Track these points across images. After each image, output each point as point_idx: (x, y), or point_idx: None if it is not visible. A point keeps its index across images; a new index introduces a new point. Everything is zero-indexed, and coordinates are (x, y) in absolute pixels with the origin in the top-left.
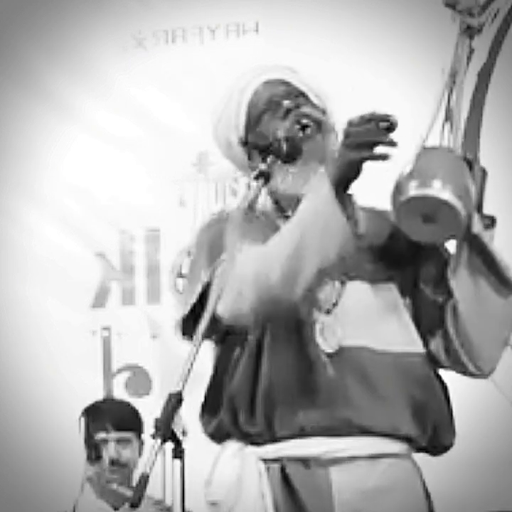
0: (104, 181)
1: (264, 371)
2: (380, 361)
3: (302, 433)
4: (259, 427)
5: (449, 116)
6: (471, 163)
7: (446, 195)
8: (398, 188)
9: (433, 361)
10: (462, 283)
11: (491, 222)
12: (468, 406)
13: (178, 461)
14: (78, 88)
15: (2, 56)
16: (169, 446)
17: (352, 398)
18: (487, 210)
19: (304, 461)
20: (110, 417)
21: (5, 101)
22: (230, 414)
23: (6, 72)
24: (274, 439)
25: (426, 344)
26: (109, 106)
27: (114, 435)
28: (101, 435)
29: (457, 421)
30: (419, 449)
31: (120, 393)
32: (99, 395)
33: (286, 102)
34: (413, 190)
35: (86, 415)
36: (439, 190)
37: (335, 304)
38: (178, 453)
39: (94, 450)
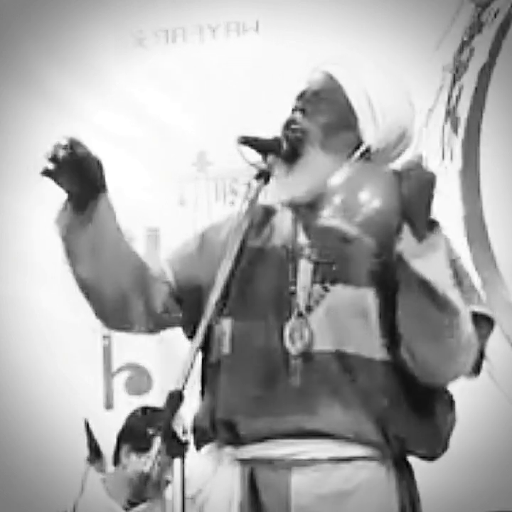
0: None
1: (221, 388)
2: (348, 367)
3: (265, 437)
4: (221, 432)
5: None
6: (402, 174)
7: (334, 221)
8: None
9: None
10: (403, 299)
11: (431, 228)
12: (468, 406)
13: (178, 460)
14: (78, 87)
15: (1, 55)
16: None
17: (315, 405)
18: (487, 209)
19: (271, 463)
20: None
21: (3, 99)
22: (196, 420)
23: (4, 70)
24: (242, 443)
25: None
26: (108, 105)
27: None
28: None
29: (457, 421)
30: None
31: (120, 392)
32: (99, 394)
33: (297, 102)
34: (317, 219)
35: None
36: (327, 218)
37: (309, 308)
38: (180, 453)
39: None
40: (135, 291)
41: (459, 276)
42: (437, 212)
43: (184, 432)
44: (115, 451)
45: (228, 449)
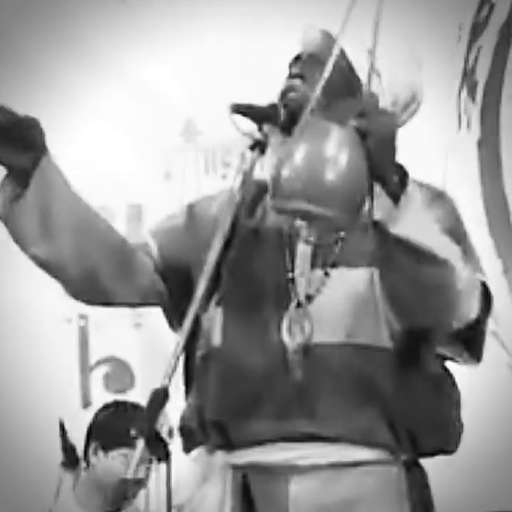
0: (80, 152)
1: (211, 385)
2: (354, 359)
3: (260, 441)
4: (212, 436)
5: (466, 82)
6: (365, 134)
7: (293, 203)
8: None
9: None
10: (389, 272)
11: (403, 181)
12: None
13: (163, 464)
14: (53, 50)
15: None
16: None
17: (317, 404)
18: (509, 184)
19: (266, 470)
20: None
21: None
22: (183, 423)
23: None
24: (234, 447)
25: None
26: (86, 69)
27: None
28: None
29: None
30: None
31: (98, 389)
32: (75, 391)
33: (294, 66)
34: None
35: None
36: (282, 199)
37: (309, 297)
38: (164, 456)
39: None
40: (110, 262)
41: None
42: (453, 188)
43: (170, 434)
44: (84, 450)
45: (220, 454)
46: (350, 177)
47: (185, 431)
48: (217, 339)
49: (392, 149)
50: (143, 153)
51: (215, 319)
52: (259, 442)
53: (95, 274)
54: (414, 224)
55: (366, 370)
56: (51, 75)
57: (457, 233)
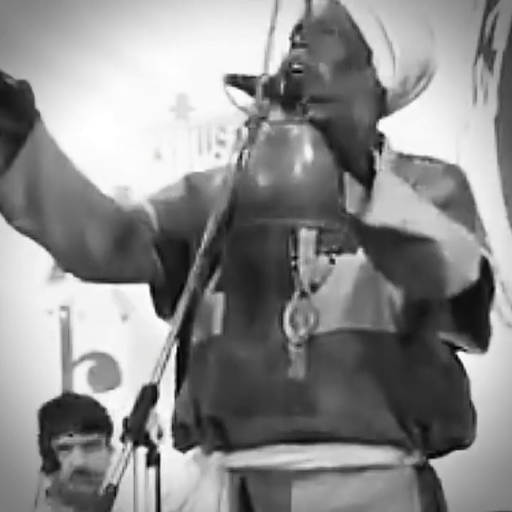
0: (65, 130)
1: (210, 377)
2: (354, 345)
3: (260, 442)
4: (208, 435)
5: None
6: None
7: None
8: None
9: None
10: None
11: (371, 160)
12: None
13: (152, 469)
14: (43, 26)
15: None
16: (142, 451)
17: (321, 401)
18: None
19: (266, 473)
20: (73, 416)
21: None
22: (177, 418)
23: None
24: (232, 448)
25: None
26: (71, 41)
27: (79, 438)
28: (63, 439)
29: None
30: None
31: (82, 386)
32: (56, 389)
33: (297, 35)
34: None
35: (42, 416)
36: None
37: (314, 286)
38: (153, 459)
39: (50, 458)
40: (103, 235)
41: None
42: (467, 169)
43: (160, 436)
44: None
45: (216, 456)
46: (317, 180)
47: (179, 427)
48: (217, 327)
49: (353, 135)
50: (131, 130)
51: (215, 306)
52: (259, 443)
53: (86, 247)
54: (391, 205)
55: (370, 356)
56: (40, 52)
57: (459, 206)
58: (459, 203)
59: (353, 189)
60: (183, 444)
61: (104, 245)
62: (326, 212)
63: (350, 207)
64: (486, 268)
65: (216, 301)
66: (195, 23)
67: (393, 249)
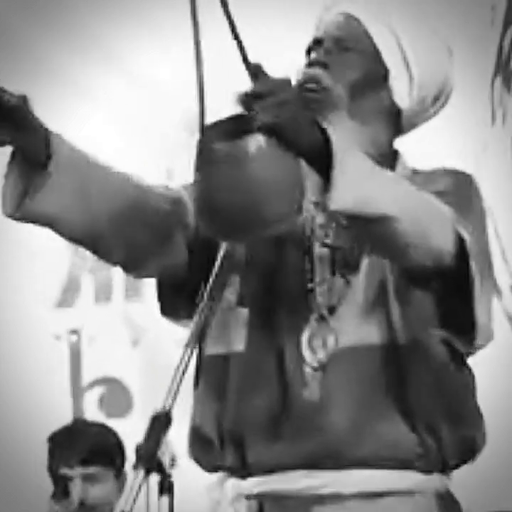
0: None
1: (231, 392)
2: (367, 362)
3: (279, 467)
4: (229, 460)
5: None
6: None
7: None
8: None
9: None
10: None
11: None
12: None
13: (165, 498)
14: (53, 41)
15: None
16: (155, 479)
17: (337, 424)
18: None
19: (284, 499)
20: (79, 446)
21: None
22: (199, 443)
23: None
24: (251, 474)
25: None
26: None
27: (78, 471)
28: (64, 470)
29: None
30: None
31: (93, 413)
32: (66, 416)
33: (315, 52)
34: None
35: (51, 444)
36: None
37: (332, 309)
38: (166, 487)
39: (61, 486)
40: (150, 234)
41: None
42: (485, 189)
43: (173, 463)
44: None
45: (232, 483)
46: (274, 189)
47: (200, 441)
48: (240, 343)
49: (305, 132)
50: (143, 149)
51: (237, 320)
52: (277, 468)
53: (139, 255)
54: (350, 187)
55: (383, 371)
56: (52, 69)
57: (453, 196)
58: (453, 194)
59: (313, 178)
60: (202, 458)
61: (150, 248)
62: (288, 216)
63: (314, 196)
64: (463, 251)
65: (239, 316)
66: (210, 35)
67: (362, 229)
